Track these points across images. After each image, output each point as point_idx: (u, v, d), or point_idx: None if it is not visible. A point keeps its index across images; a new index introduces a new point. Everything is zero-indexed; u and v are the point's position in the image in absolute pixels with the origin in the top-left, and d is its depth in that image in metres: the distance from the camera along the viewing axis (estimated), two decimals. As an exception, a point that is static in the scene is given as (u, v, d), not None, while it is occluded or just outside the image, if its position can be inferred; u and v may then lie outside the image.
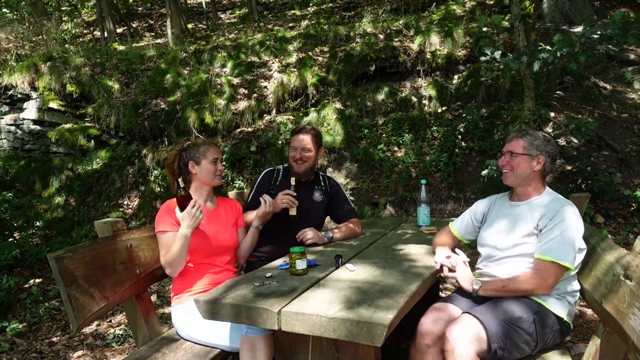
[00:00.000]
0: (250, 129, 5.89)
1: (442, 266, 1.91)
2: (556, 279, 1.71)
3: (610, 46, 3.32)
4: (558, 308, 1.77)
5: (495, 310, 1.69)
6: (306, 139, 2.53)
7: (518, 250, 1.84)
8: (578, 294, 1.85)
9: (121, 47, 8.07)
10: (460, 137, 5.23)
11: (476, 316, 1.65)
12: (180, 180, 2.15)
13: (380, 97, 5.95)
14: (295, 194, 2.36)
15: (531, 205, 1.88)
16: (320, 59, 6.46)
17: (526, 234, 1.83)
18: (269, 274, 1.83)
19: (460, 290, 1.93)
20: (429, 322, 1.79)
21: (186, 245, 1.97)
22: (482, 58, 3.88)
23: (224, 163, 5.51)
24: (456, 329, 1.62)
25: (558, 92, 5.69)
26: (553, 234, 1.73)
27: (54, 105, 6.21)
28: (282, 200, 2.35)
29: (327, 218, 2.79)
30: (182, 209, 1.97)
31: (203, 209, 2.08)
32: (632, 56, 5.99)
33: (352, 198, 5.00)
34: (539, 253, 1.74)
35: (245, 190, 4.81)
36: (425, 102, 5.85)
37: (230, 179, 5.51)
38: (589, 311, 3.16)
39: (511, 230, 1.88)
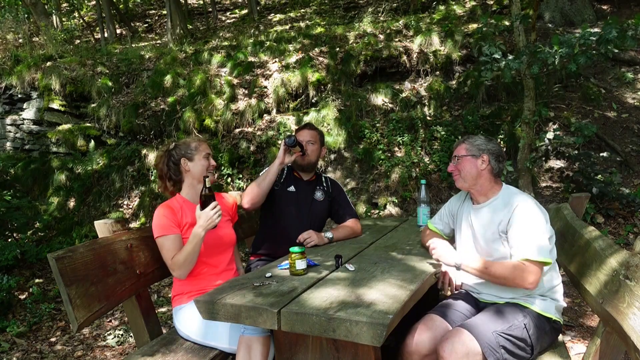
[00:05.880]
0: (250, 129, 5.89)
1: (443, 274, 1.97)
2: (537, 275, 1.69)
3: (609, 47, 3.32)
4: (545, 308, 1.79)
5: (486, 321, 1.69)
6: (312, 133, 2.61)
7: (491, 258, 1.86)
8: (560, 286, 1.87)
9: (121, 47, 8.07)
10: (460, 137, 5.22)
11: (468, 330, 1.64)
12: (169, 181, 2.15)
13: (380, 97, 5.95)
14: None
15: (492, 208, 1.89)
16: (320, 59, 6.46)
17: (492, 240, 1.85)
18: (269, 274, 1.83)
19: (446, 301, 1.95)
20: (414, 342, 1.76)
21: (199, 245, 1.96)
22: (482, 58, 3.88)
23: (221, 162, 5.50)
24: (449, 344, 1.60)
25: (558, 92, 5.69)
26: (519, 234, 1.75)
27: (53, 105, 6.21)
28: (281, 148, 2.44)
29: (327, 218, 2.80)
30: (202, 208, 1.95)
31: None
32: (632, 56, 5.99)
33: (352, 198, 5.00)
34: (516, 257, 1.74)
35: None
36: (425, 102, 5.85)
37: (230, 179, 5.51)
38: (589, 311, 3.16)
39: (477, 243, 1.92)
